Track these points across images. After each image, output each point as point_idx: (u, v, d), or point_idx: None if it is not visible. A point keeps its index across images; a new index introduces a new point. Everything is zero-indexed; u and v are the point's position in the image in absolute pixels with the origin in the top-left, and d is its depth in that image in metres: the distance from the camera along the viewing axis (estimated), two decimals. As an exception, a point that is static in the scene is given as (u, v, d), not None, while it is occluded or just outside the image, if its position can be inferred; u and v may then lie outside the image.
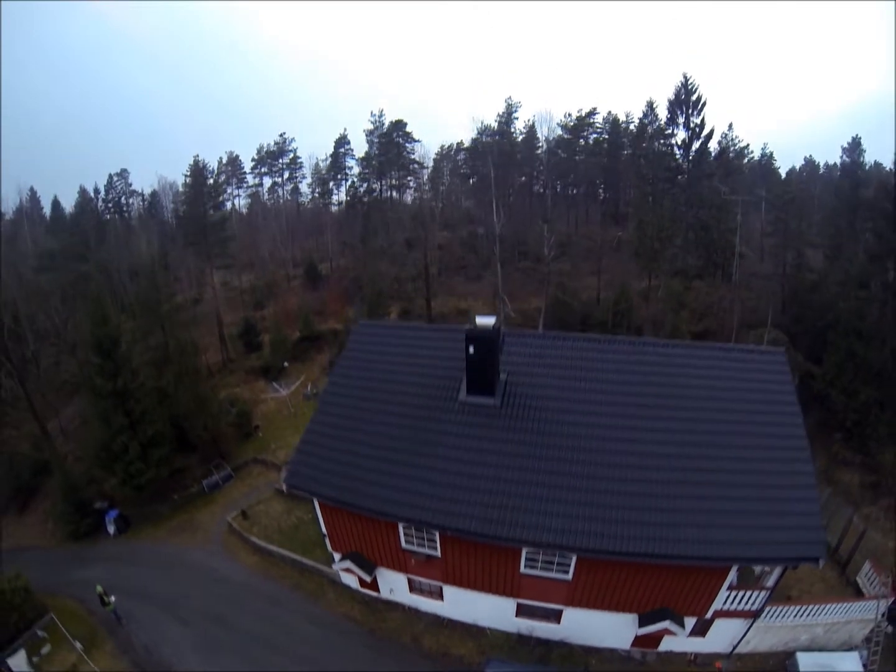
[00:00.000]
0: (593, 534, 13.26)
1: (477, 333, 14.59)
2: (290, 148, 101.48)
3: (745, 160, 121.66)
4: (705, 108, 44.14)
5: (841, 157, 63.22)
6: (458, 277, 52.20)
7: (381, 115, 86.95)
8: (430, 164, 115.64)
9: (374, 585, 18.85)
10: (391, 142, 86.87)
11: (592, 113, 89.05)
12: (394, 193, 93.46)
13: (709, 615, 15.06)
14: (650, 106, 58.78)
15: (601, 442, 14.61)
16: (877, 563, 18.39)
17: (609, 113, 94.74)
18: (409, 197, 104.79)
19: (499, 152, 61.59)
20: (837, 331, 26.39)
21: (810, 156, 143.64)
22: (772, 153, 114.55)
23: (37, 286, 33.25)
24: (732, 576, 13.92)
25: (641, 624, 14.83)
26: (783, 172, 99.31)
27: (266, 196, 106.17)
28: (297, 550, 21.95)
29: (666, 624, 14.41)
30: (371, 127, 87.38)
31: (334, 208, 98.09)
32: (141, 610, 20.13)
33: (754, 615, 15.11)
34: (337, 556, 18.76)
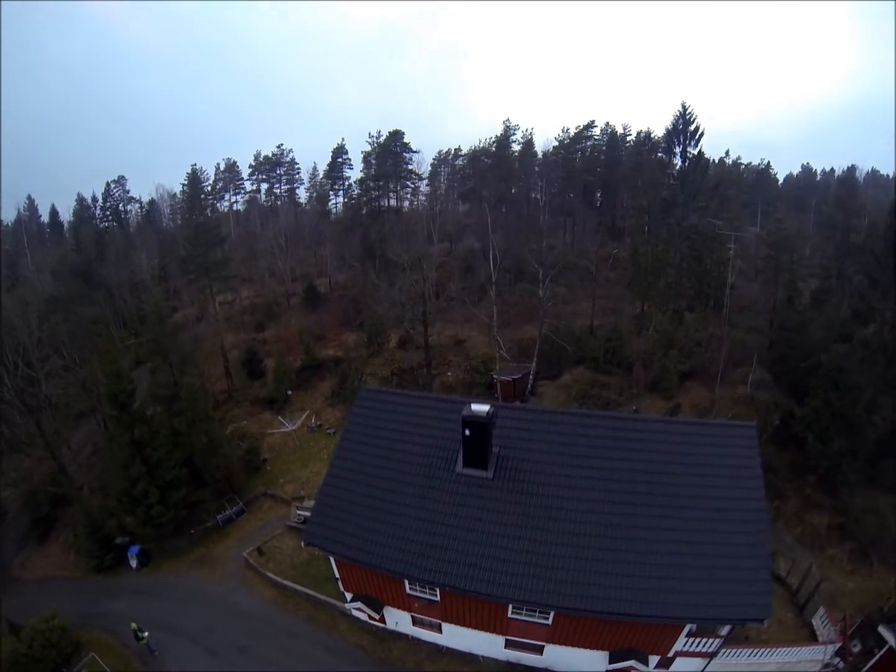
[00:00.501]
0: (567, 595, 16.05)
1: (472, 419, 17.22)
2: (286, 159, 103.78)
3: (742, 168, 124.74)
4: (702, 139, 46.34)
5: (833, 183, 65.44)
6: (454, 301, 54.61)
7: (377, 136, 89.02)
8: (428, 168, 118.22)
9: (381, 619, 21.67)
10: (389, 152, 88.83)
11: (590, 126, 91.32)
12: (392, 202, 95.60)
13: (671, 654, 17.80)
14: (647, 136, 60.78)
15: (579, 513, 17.28)
16: (830, 609, 21.13)
17: (607, 124, 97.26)
18: (407, 204, 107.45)
19: (496, 169, 63.44)
20: (818, 377, 28.63)
21: (808, 163, 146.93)
22: (769, 162, 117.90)
23: (47, 331, 35.31)
24: (691, 625, 16.64)
25: (611, 661, 17.73)
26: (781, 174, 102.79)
27: (263, 198, 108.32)
28: (310, 585, 24.68)
29: (632, 662, 17.24)
30: (368, 148, 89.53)
31: (333, 213, 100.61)
32: (170, 642, 22.94)
33: (711, 655, 17.87)
34: (348, 596, 21.57)
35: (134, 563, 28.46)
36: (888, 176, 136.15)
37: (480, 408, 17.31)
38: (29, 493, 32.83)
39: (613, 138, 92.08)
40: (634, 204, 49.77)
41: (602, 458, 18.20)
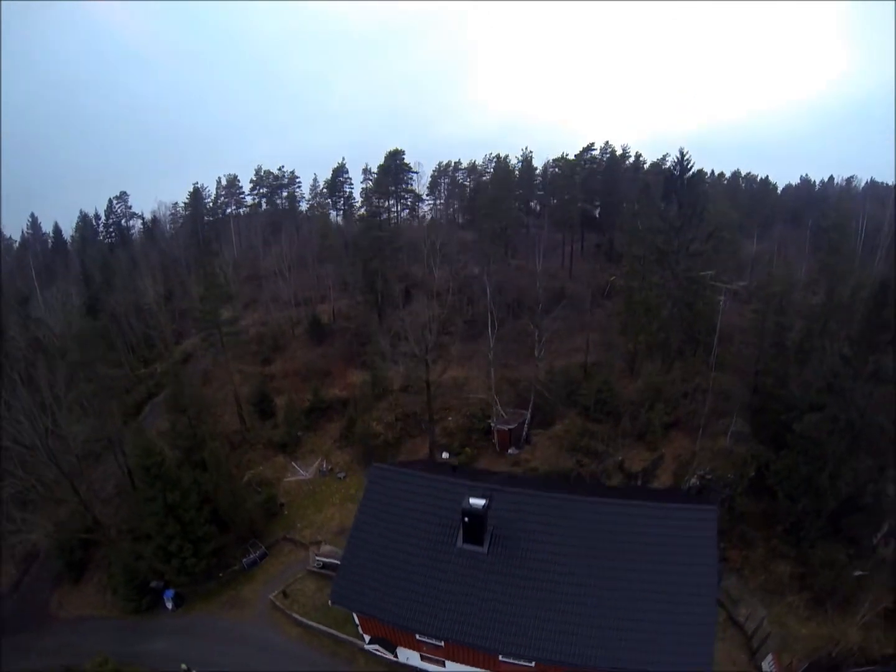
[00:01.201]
0: (546, 649, 20.83)
1: (471, 511, 21.78)
2: (286, 182, 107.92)
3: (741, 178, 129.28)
4: (699, 187, 50.09)
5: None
6: (455, 336, 58.93)
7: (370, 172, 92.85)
8: (428, 180, 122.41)
9: (394, 655, 26.54)
10: (389, 171, 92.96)
11: (590, 148, 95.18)
12: (392, 215, 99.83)
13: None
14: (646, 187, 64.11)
15: (559, 583, 21.91)
16: (780, 654, 25.68)
17: (606, 143, 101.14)
18: (408, 215, 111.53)
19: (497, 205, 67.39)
20: (791, 440, 32.50)
21: (806, 175, 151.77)
22: (767, 176, 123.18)
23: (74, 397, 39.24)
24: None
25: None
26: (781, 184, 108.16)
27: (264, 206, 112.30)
28: (331, 625, 29.42)
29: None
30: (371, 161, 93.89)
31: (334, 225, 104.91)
32: (211, 679, 27.60)
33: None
34: (366, 638, 26.58)
35: (170, 605, 33.14)
36: (886, 184, 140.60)
37: (477, 501, 21.85)
38: (63, 541, 37.19)
39: (612, 158, 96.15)
40: (630, 252, 53.50)
41: (579, 536, 22.76)
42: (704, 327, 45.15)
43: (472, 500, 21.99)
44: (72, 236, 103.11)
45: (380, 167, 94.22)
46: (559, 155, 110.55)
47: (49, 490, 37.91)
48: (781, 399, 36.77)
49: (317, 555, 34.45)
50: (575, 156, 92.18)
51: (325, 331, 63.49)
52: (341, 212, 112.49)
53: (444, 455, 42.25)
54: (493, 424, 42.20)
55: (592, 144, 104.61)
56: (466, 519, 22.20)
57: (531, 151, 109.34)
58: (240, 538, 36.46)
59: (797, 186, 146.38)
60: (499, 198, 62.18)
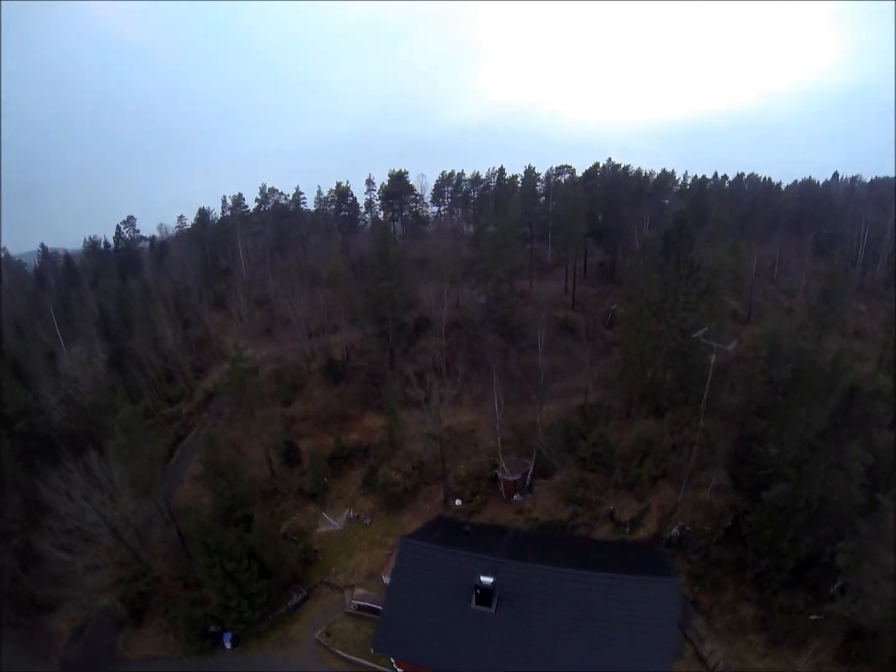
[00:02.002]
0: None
1: (482, 586, 29.79)
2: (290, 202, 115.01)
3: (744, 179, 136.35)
4: (695, 245, 56.45)
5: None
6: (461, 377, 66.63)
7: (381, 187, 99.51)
8: (431, 191, 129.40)
9: None
10: (394, 195, 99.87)
11: (595, 168, 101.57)
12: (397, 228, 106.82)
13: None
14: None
15: (551, 638, 29.90)
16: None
17: (609, 160, 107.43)
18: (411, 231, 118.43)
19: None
20: (762, 499, 39.70)
21: (809, 177, 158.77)
22: (770, 178, 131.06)
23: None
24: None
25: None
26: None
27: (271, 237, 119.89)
28: (370, 659, 37.44)
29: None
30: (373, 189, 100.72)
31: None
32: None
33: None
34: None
35: (228, 646, 41.69)
36: (888, 178, 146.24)
37: (487, 579, 30.05)
38: (125, 593, 45.60)
39: (615, 173, 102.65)
40: (627, 306, 59.82)
41: (566, 602, 30.74)
42: (696, 378, 52.03)
43: (483, 578, 30.04)
44: (82, 264, 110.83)
45: (384, 188, 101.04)
46: (563, 164, 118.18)
47: (111, 555, 46.46)
48: (760, 455, 44.35)
49: (353, 598, 42.87)
50: (581, 174, 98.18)
51: (340, 369, 71.35)
52: (345, 225, 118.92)
53: (458, 502, 50.43)
54: (499, 474, 50.16)
55: (598, 164, 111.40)
56: (478, 591, 30.31)
57: (534, 168, 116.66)
58: (283, 584, 44.83)
59: (801, 185, 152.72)
60: (502, 244, 68.71)
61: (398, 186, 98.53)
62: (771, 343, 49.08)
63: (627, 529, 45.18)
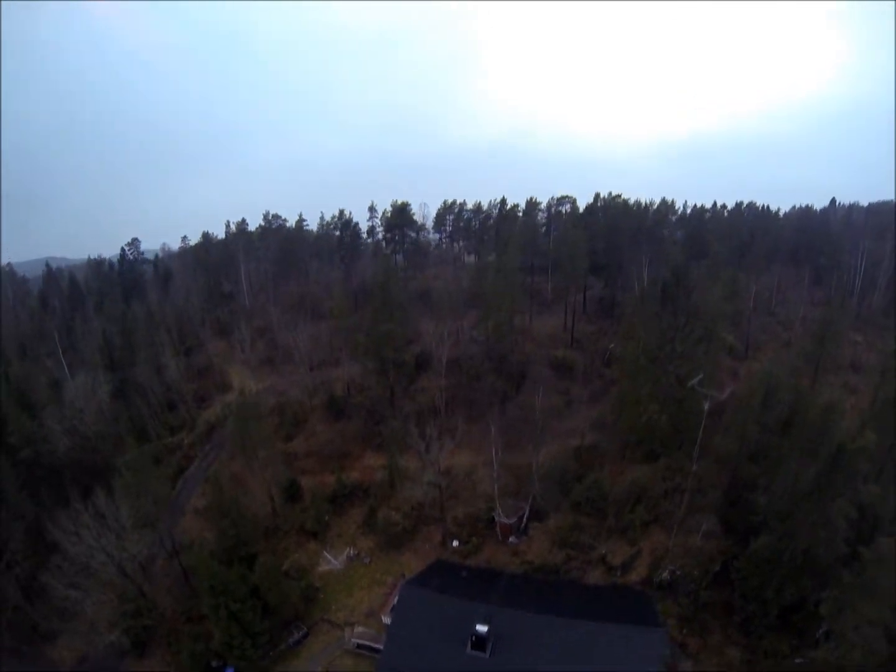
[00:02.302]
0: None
1: (477, 634, 32.43)
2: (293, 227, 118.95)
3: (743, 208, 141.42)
4: (693, 289, 59.36)
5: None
6: (462, 413, 69.42)
7: (383, 215, 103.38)
8: (432, 219, 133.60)
9: None
10: (396, 226, 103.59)
11: (596, 201, 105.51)
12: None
13: None
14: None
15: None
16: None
17: (609, 194, 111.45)
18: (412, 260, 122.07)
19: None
20: (747, 556, 42.07)
21: (807, 205, 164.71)
22: (768, 206, 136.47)
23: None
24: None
25: None
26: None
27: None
28: None
29: None
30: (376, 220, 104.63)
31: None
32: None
33: None
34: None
35: (231, 682, 44.00)
36: (888, 202, 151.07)
37: (482, 627, 32.74)
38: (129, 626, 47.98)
39: (616, 206, 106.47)
40: (624, 355, 62.44)
41: (555, 649, 33.35)
42: (691, 423, 54.43)
43: (479, 626, 32.73)
44: (87, 284, 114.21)
45: (386, 219, 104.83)
46: (563, 195, 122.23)
47: (116, 590, 48.88)
48: (750, 502, 47.04)
49: (352, 637, 45.29)
50: (583, 208, 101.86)
51: (341, 405, 74.17)
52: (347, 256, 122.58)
53: (455, 543, 53.00)
54: (496, 517, 52.80)
55: (598, 196, 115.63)
56: (474, 638, 32.95)
57: (535, 199, 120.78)
58: (284, 621, 47.27)
59: (799, 212, 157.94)
60: (501, 293, 71.62)
61: (400, 219, 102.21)
62: (764, 390, 51.96)
63: (619, 573, 47.67)
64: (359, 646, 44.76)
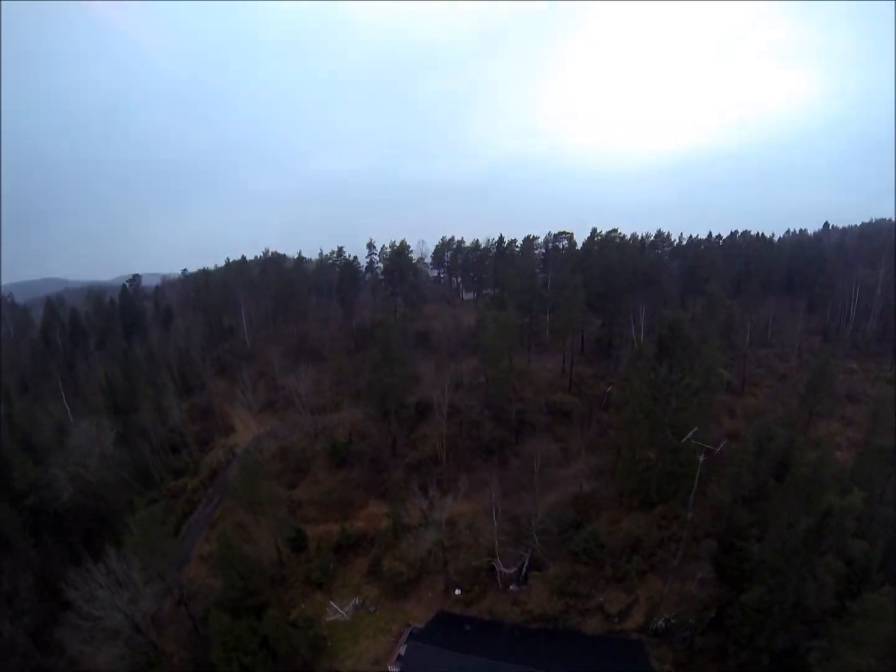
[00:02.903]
0: None
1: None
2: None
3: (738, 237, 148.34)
4: (688, 352, 63.25)
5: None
6: (462, 462, 73.26)
7: (382, 251, 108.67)
8: (430, 255, 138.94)
9: None
10: (395, 270, 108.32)
11: (593, 237, 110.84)
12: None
13: None
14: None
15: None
16: None
17: (607, 233, 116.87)
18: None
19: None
20: (739, 605, 45.48)
21: (800, 229, 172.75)
22: (762, 233, 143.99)
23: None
24: None
25: None
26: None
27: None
28: None
29: None
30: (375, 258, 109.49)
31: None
32: None
33: None
34: None
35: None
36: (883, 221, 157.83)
37: None
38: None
39: (614, 249, 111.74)
40: (620, 411, 65.90)
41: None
42: (686, 473, 58.01)
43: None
44: (87, 320, 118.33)
45: (384, 268, 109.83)
46: (561, 230, 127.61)
47: (128, 643, 51.84)
48: (743, 550, 50.70)
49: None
50: (580, 246, 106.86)
51: (343, 453, 77.77)
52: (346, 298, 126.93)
53: (458, 592, 56.37)
54: (496, 566, 56.28)
55: (596, 231, 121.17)
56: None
57: (533, 236, 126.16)
58: (294, 671, 50.33)
59: (793, 238, 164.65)
60: (500, 347, 75.82)
61: (399, 261, 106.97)
62: (758, 440, 56.00)
63: (616, 620, 51.10)
64: (366, 694, 47.93)
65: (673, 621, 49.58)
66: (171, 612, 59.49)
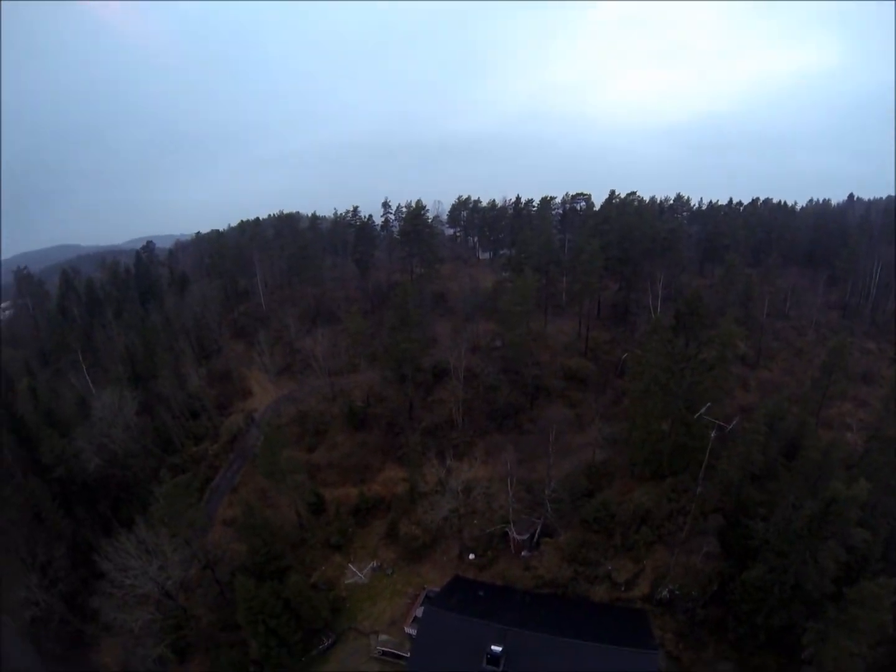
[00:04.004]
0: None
1: (492, 653, 38.68)
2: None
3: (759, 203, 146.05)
4: (705, 326, 63.03)
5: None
6: (479, 426, 75.36)
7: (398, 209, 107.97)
8: (447, 216, 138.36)
9: None
10: (414, 230, 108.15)
11: (611, 199, 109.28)
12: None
13: None
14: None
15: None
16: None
17: (624, 196, 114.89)
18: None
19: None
20: (741, 581, 47.39)
21: (824, 199, 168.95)
22: (784, 202, 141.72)
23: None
24: None
25: None
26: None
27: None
28: None
29: None
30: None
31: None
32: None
33: None
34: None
35: (270, 687, 50.91)
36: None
37: (496, 648, 38.98)
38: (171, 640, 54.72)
39: (632, 213, 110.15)
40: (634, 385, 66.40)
41: (563, 667, 39.47)
42: (698, 447, 59.22)
43: (493, 647, 39.03)
44: (104, 290, 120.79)
45: (401, 230, 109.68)
46: (578, 192, 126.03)
47: (158, 607, 55.62)
48: (749, 527, 52.41)
49: (377, 644, 51.93)
50: (598, 208, 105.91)
51: (361, 416, 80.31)
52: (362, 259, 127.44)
53: (471, 556, 59.36)
54: (510, 533, 58.90)
55: (614, 193, 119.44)
56: (489, 656, 39.22)
57: (550, 197, 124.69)
58: (314, 630, 53.94)
59: (815, 208, 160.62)
60: (518, 312, 76.40)
61: (415, 223, 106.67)
62: (771, 418, 56.89)
63: (623, 589, 53.71)
64: (383, 653, 51.31)
65: (677, 592, 51.91)
66: (198, 576, 63.01)
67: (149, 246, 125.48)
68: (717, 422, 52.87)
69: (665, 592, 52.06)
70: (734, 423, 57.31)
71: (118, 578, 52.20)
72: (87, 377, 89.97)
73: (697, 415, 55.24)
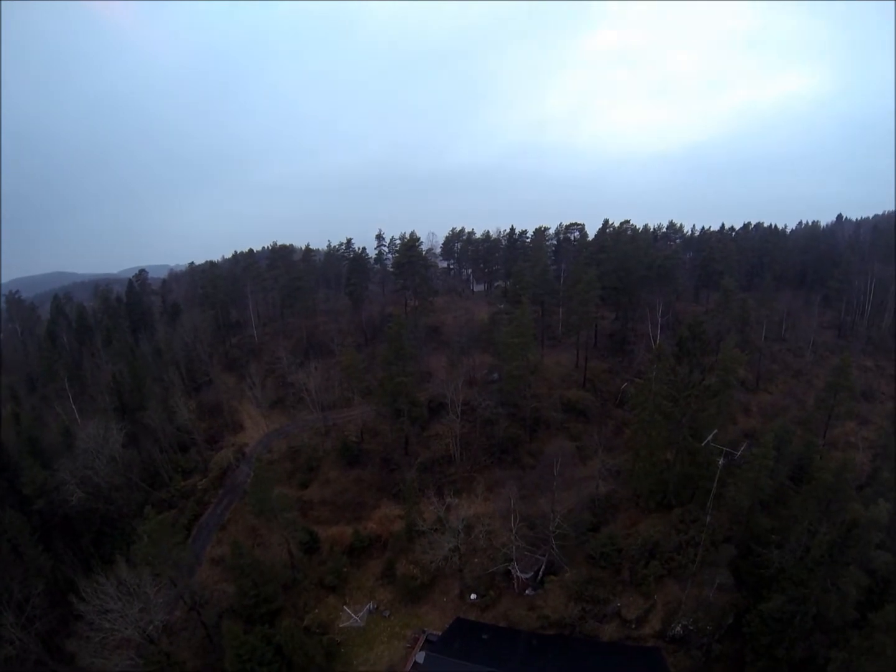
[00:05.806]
0: None
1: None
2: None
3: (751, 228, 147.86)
4: (707, 352, 62.19)
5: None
6: (477, 461, 73.15)
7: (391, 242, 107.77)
8: (440, 248, 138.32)
9: None
10: (408, 262, 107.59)
11: (605, 229, 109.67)
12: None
13: None
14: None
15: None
16: None
17: (619, 224, 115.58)
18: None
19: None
20: (762, 611, 45.51)
21: (813, 221, 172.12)
22: (775, 224, 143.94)
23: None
24: None
25: None
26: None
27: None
28: None
29: None
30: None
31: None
32: None
33: None
34: None
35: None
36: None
37: None
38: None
39: (627, 242, 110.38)
40: (638, 414, 65.03)
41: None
42: (705, 475, 57.71)
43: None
44: (95, 317, 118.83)
45: (394, 262, 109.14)
46: (572, 222, 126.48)
47: (140, 652, 52.14)
48: (761, 556, 50.67)
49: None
50: (592, 238, 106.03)
51: (355, 451, 77.78)
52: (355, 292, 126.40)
53: (473, 597, 56.52)
54: (513, 571, 56.31)
55: (608, 222, 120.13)
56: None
57: (544, 228, 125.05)
58: (308, 678, 50.69)
59: (805, 231, 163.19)
60: (513, 346, 75.04)
61: (409, 256, 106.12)
62: (777, 441, 55.45)
63: (633, 626, 51.11)
64: (381, 701, 48.24)
65: (690, 628, 49.55)
66: (184, 618, 59.79)
67: (141, 275, 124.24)
68: (724, 448, 51.70)
69: (678, 628, 49.67)
70: (743, 448, 56.05)
71: (96, 621, 48.92)
72: (74, 406, 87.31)
73: (705, 442, 53.97)
